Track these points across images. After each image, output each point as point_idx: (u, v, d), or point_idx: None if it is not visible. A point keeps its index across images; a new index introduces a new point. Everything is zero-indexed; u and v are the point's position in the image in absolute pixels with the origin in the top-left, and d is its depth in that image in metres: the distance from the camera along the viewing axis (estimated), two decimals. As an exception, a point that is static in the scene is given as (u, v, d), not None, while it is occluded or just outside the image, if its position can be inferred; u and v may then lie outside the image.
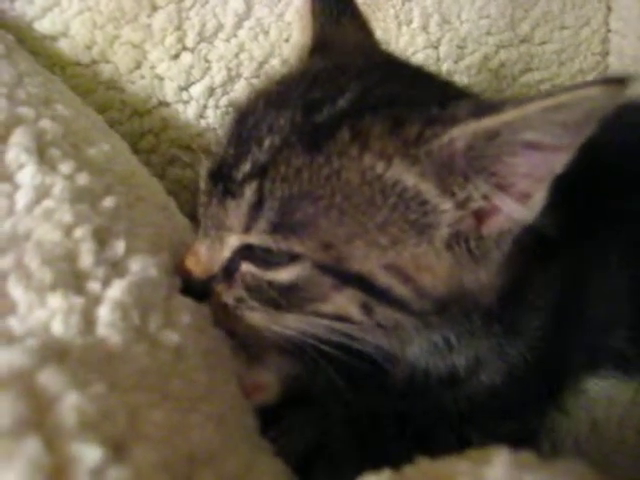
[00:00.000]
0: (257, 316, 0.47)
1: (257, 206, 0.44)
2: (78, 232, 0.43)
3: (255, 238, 0.45)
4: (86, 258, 0.42)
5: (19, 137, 0.49)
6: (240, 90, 0.83)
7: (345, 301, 0.47)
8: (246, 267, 0.47)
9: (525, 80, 1.04)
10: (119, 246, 0.44)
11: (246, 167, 0.45)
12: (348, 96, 0.47)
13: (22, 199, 0.44)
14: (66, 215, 0.43)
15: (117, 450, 0.27)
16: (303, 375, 0.54)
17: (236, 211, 0.45)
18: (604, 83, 0.39)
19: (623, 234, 0.64)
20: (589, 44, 1.09)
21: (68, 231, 0.43)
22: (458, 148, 0.45)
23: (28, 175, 0.45)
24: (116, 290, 0.40)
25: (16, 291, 0.36)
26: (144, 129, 0.81)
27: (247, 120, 0.48)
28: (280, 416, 0.49)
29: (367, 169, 0.46)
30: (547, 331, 0.59)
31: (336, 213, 0.45)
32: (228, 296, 0.47)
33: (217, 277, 0.48)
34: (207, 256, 0.48)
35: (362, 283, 0.47)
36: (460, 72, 0.96)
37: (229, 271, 0.47)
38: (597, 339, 0.66)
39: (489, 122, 0.42)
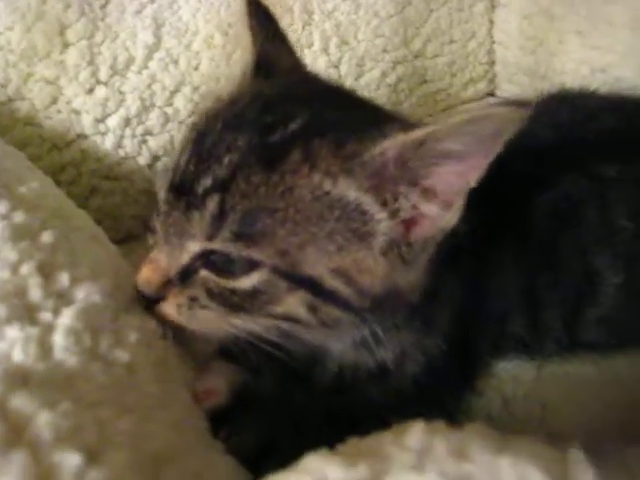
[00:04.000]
0: (209, 315, 0.51)
1: (219, 217, 0.48)
2: (24, 268, 0.46)
3: (219, 245, 0.49)
4: (35, 292, 0.44)
5: None
6: (155, 119, 0.86)
7: (295, 302, 0.52)
8: (205, 273, 0.51)
9: (421, 92, 1.13)
10: (63, 277, 0.47)
11: (207, 182, 0.49)
12: (298, 121, 0.52)
13: None
14: (11, 254, 0.46)
15: (92, 456, 0.31)
16: (248, 378, 0.59)
17: (199, 221, 0.49)
18: (511, 105, 0.47)
19: (514, 237, 0.70)
20: (476, 55, 1.19)
21: (15, 269, 0.46)
22: (389, 158, 0.50)
23: None
24: (66, 318, 0.43)
25: None
26: (64, 162, 0.84)
27: (206, 139, 0.52)
28: (229, 418, 0.53)
29: (316, 187, 0.51)
30: (457, 323, 0.66)
31: (290, 224, 0.49)
32: (182, 296, 0.51)
33: (173, 281, 0.51)
34: (166, 262, 0.51)
35: (312, 286, 0.52)
36: (361, 88, 1.02)
37: (186, 275, 0.51)
38: (499, 328, 0.72)
39: (416, 134, 0.48)
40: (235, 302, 0.52)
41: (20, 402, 0.33)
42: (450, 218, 0.53)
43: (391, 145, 0.49)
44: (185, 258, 0.52)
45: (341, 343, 0.61)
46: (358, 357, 0.63)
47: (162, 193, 0.53)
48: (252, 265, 0.51)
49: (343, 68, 1.00)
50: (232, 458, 0.45)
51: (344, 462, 0.28)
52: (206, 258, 0.52)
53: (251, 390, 0.58)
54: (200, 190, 0.50)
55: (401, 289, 0.55)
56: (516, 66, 1.20)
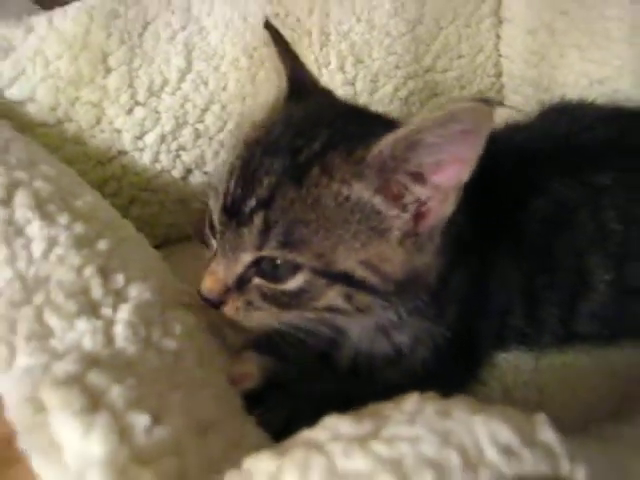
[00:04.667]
0: (263, 314, 0.61)
1: (265, 231, 0.57)
2: (87, 271, 0.54)
3: (267, 252, 0.58)
4: (96, 290, 0.53)
5: (21, 198, 0.59)
6: (187, 135, 0.93)
7: (334, 295, 0.60)
8: (257, 281, 0.60)
9: (432, 104, 1.20)
10: (119, 278, 0.56)
11: (252, 202, 0.58)
12: (320, 140, 0.61)
13: (37, 249, 0.54)
14: (75, 259, 0.55)
15: (156, 419, 0.39)
16: (277, 366, 0.67)
17: (249, 235, 0.58)
18: (477, 101, 0.54)
19: (515, 239, 0.77)
20: (484, 68, 1.26)
21: (79, 271, 0.54)
22: (385, 155, 0.57)
23: (36, 228, 0.58)
24: (124, 312, 0.51)
25: (51, 320, 0.48)
26: (107, 176, 0.91)
27: (249, 166, 0.61)
28: (261, 399, 0.61)
29: (337, 194, 0.59)
30: (462, 317, 0.72)
31: (322, 231, 0.58)
32: (239, 301, 0.60)
33: (231, 289, 0.60)
34: (224, 273, 0.60)
35: (346, 278, 0.60)
36: (375, 103, 1.10)
37: (241, 283, 0.60)
38: (501, 321, 0.78)
39: (400, 131, 0.56)
40: (284, 301, 0.61)
41: (94, 378, 0.42)
42: (447, 208, 0.60)
43: (384, 144, 0.57)
44: (239, 268, 0.61)
45: (364, 329, 0.69)
46: (375, 342, 0.70)
47: (216, 214, 0.62)
48: (295, 268, 0.59)
49: (358, 85, 1.07)
50: (263, 431, 0.53)
51: (353, 420, 0.35)
52: (257, 266, 0.60)
53: (279, 376, 0.66)
54: (247, 210, 0.59)
55: (418, 271, 0.63)
56: (521, 78, 1.25)
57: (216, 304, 0.61)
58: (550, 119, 0.96)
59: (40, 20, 0.88)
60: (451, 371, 0.75)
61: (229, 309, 0.61)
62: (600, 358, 0.81)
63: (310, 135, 0.62)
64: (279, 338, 0.66)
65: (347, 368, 0.71)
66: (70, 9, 0.90)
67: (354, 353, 0.70)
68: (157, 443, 0.36)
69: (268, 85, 0.95)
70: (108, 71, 0.90)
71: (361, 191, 0.59)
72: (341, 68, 1.06)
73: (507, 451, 0.35)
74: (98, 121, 0.90)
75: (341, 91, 1.05)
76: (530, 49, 1.22)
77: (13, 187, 0.61)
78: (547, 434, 0.38)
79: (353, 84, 1.07)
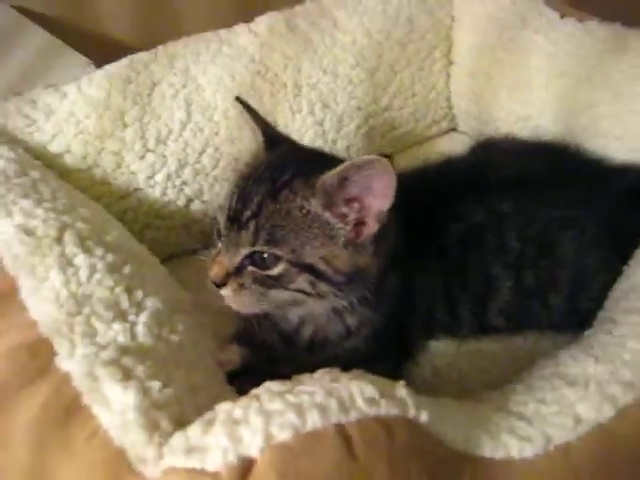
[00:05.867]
0: (250, 293, 0.80)
1: (256, 232, 0.77)
2: (117, 290, 0.71)
3: (258, 247, 0.77)
4: (124, 303, 0.70)
5: (69, 237, 0.77)
6: (188, 173, 1.12)
7: (302, 280, 0.78)
8: (251, 268, 0.78)
9: (391, 136, 1.37)
10: (139, 294, 0.73)
11: (248, 213, 0.77)
12: (288, 173, 0.80)
13: (83, 275, 0.72)
14: (109, 281, 0.72)
15: (164, 384, 0.62)
16: (252, 355, 0.90)
17: (245, 235, 0.77)
18: (378, 155, 0.71)
19: (438, 253, 0.92)
20: (437, 103, 1.42)
21: (112, 290, 0.72)
22: (327, 184, 0.76)
23: (81, 260, 0.74)
24: (143, 317, 0.69)
25: (96, 324, 0.68)
26: (126, 207, 1.09)
27: (245, 190, 0.80)
28: (238, 375, 0.83)
29: (300, 208, 0.77)
30: (396, 308, 0.89)
31: (294, 233, 0.77)
32: (235, 283, 0.79)
33: (230, 274, 0.79)
34: (227, 262, 0.79)
35: (310, 269, 0.78)
36: (341, 138, 1.27)
37: (239, 270, 0.79)
38: (428, 316, 0.94)
39: (337, 170, 0.74)
40: (269, 283, 0.79)
41: (126, 361, 0.62)
42: (374, 226, 0.78)
43: (327, 176, 0.75)
44: (238, 259, 0.79)
45: (324, 311, 0.85)
46: (331, 322, 0.87)
47: (222, 222, 0.80)
48: (277, 259, 0.77)
49: (326, 125, 1.25)
50: (237, 395, 0.71)
51: (279, 383, 0.59)
52: (251, 258, 0.78)
53: (252, 361, 0.89)
54: (244, 218, 0.77)
55: (360, 268, 0.80)
56: (466, 113, 1.42)
57: (219, 285, 0.79)
58: (476, 154, 1.15)
59: (71, 87, 1.06)
60: (387, 351, 0.91)
61: (227, 290, 0.79)
62: (508, 344, 0.96)
63: (282, 170, 0.80)
64: (257, 326, 0.87)
65: (307, 343, 0.89)
66: (94, 76, 1.08)
67: (313, 331, 0.88)
68: (165, 398, 0.58)
69: (250, 132, 1.16)
70: (125, 126, 1.07)
71: (316, 207, 0.77)
72: (311, 112, 1.23)
73: (370, 401, 0.56)
74: (119, 166, 1.07)
75: (312, 131, 1.23)
76: (472, 89, 1.37)
77: (62, 229, 0.78)
78: (401, 392, 0.59)
79: (322, 125, 1.24)
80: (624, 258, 0.91)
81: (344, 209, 0.78)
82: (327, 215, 0.78)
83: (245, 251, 0.79)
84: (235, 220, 0.79)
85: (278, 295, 0.80)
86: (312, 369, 0.65)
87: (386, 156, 0.72)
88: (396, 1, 1.33)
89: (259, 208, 0.78)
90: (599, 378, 0.71)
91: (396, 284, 0.88)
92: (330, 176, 0.76)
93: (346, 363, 0.67)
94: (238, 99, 0.93)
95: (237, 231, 0.79)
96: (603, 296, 0.89)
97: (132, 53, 1.13)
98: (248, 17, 1.26)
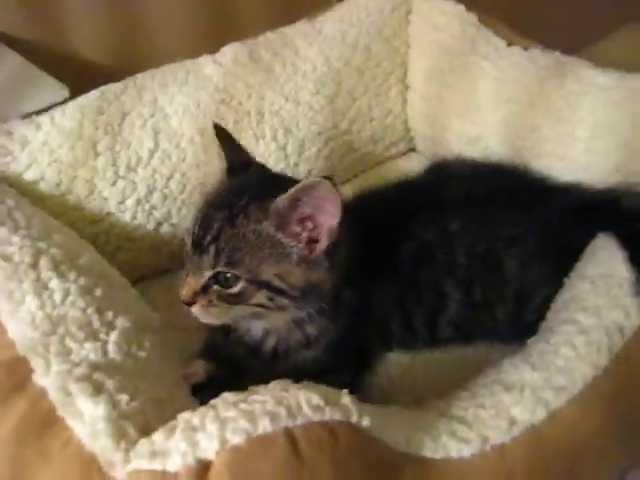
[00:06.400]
0: (217, 310, 0.85)
1: (217, 255, 0.81)
2: (89, 310, 0.76)
3: (220, 269, 0.81)
4: (95, 323, 0.75)
5: (43, 262, 0.82)
6: (157, 198, 1.17)
7: (261, 296, 0.83)
8: (215, 287, 0.83)
9: (351, 158, 1.41)
10: (109, 314, 0.78)
11: (208, 238, 0.82)
12: (244, 199, 0.84)
13: (57, 298, 0.76)
14: (81, 303, 0.76)
15: (132, 397, 0.69)
16: (217, 369, 0.96)
17: (207, 259, 0.82)
18: (323, 177, 0.77)
19: (392, 269, 0.96)
20: (394, 126, 1.47)
21: (84, 311, 0.76)
22: (280, 207, 0.80)
23: (55, 284, 0.79)
24: (113, 337, 0.74)
25: (70, 344, 0.72)
26: (99, 231, 1.13)
27: (206, 216, 0.84)
28: (202, 388, 0.88)
29: (254, 231, 0.82)
30: (353, 320, 0.93)
31: (250, 254, 0.81)
32: (203, 301, 0.84)
33: (199, 293, 0.84)
34: (194, 283, 0.84)
35: (267, 286, 0.82)
36: (303, 161, 1.32)
37: (205, 289, 0.84)
38: (385, 329, 0.98)
39: (289, 193, 0.79)
40: (232, 300, 0.83)
41: (98, 376, 0.68)
42: (325, 243, 0.83)
43: (279, 200, 0.80)
44: (203, 280, 0.83)
45: (285, 322, 0.90)
46: (292, 332, 0.91)
47: (188, 246, 0.84)
48: (236, 278, 0.81)
49: (289, 149, 1.30)
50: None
51: (235, 393, 0.65)
52: (215, 278, 0.82)
53: (216, 375, 0.95)
54: (205, 243, 0.82)
55: (314, 283, 0.85)
56: (422, 135, 1.47)
57: (189, 304, 0.84)
58: (430, 174, 1.21)
59: (45, 118, 1.11)
60: (346, 362, 0.95)
61: (196, 307, 0.84)
62: (459, 355, 1.00)
63: (240, 196, 0.85)
64: (223, 341, 0.94)
65: (270, 354, 0.93)
66: (67, 108, 1.13)
67: (276, 341, 0.93)
68: (132, 409, 0.64)
69: (216, 156, 1.15)
70: (97, 155, 1.12)
71: (268, 229, 0.82)
72: (274, 138, 1.27)
73: (316, 407, 0.62)
74: (91, 192, 1.12)
75: (275, 155, 1.28)
76: (426, 112, 1.42)
77: (38, 255, 0.83)
78: (345, 400, 0.65)
79: (284, 149, 1.29)
80: (566, 272, 0.95)
81: (297, 228, 0.83)
82: (280, 236, 0.83)
83: (208, 273, 0.84)
84: (198, 245, 0.84)
85: (242, 310, 0.85)
86: (275, 380, 0.69)
87: (329, 177, 0.78)
88: (354, 30, 1.38)
89: (218, 233, 0.83)
90: (534, 384, 0.78)
91: (352, 298, 0.93)
92: (282, 199, 0.81)
93: (307, 374, 0.71)
94: (215, 125, 0.97)
95: (200, 255, 0.84)
96: (546, 308, 0.93)
97: (106, 76, 1.18)
98: (219, 40, 1.32)
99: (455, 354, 1.01)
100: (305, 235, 0.84)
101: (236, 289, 0.83)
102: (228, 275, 0.83)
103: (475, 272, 0.98)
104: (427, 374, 1.00)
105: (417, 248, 0.99)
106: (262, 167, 1.02)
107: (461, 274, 0.98)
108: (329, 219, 0.82)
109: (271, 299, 0.84)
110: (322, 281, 0.86)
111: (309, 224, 0.83)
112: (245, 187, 0.89)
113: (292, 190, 0.79)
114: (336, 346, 0.93)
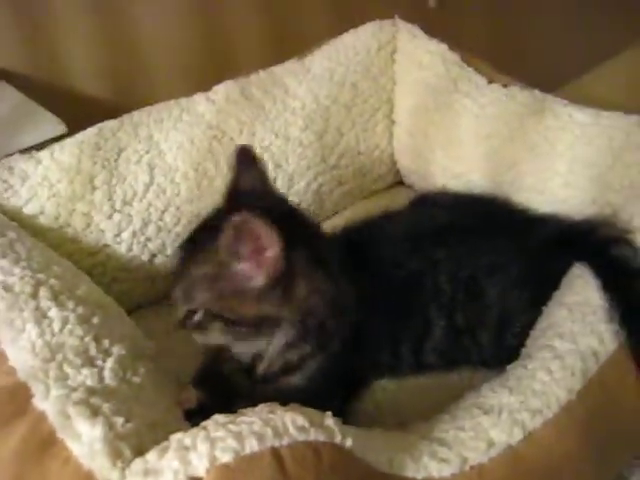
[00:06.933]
0: (197, 335, 0.90)
1: (180, 289, 0.87)
2: (87, 339, 0.77)
3: (180, 303, 0.88)
4: (92, 350, 0.76)
5: (43, 292, 0.84)
6: (152, 231, 1.20)
7: (218, 326, 0.87)
8: (195, 317, 0.87)
9: (339, 191, 1.44)
10: (106, 342, 0.79)
11: (177, 274, 0.89)
12: (207, 234, 0.88)
13: (56, 327, 0.79)
14: (79, 331, 0.77)
15: (127, 420, 0.73)
16: (208, 396, 0.98)
17: (177, 292, 0.90)
18: (234, 216, 0.79)
19: (382, 297, 0.97)
20: (381, 160, 1.50)
21: (82, 339, 0.77)
22: (224, 246, 0.82)
23: (54, 313, 0.80)
24: (109, 363, 0.75)
25: (68, 370, 0.76)
26: (95, 263, 1.16)
27: (182, 251, 0.90)
28: (195, 415, 0.87)
29: (207, 268, 0.86)
30: (343, 350, 0.93)
31: (203, 289, 0.86)
32: (190, 326, 0.89)
33: (185, 319, 0.89)
34: (176, 313, 0.89)
35: (221, 317, 0.86)
36: (292, 195, 1.34)
37: (187, 317, 0.89)
38: (374, 357, 0.99)
39: (222, 235, 0.81)
40: (200, 328, 0.87)
41: (94, 400, 0.71)
42: (274, 275, 0.84)
43: (220, 241, 0.82)
44: (182, 311, 0.88)
45: (275, 347, 0.90)
46: (276, 358, 0.91)
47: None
48: (193, 312, 0.86)
49: (278, 183, 1.31)
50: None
51: (225, 415, 0.69)
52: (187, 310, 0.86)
53: (208, 402, 0.96)
54: (176, 278, 0.88)
55: (267, 314, 0.87)
56: (408, 168, 1.50)
57: (181, 326, 0.89)
58: (416, 206, 1.26)
59: (45, 154, 1.16)
60: (333, 388, 0.95)
61: (186, 329, 0.88)
62: (443, 380, 1.01)
63: (208, 232, 0.89)
64: (222, 362, 0.95)
65: (263, 375, 0.93)
66: (66, 144, 1.18)
67: (268, 364, 0.93)
68: (127, 431, 0.67)
69: (209, 190, 1.26)
70: (94, 189, 1.15)
71: (217, 265, 0.85)
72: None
73: (301, 428, 0.65)
74: (88, 225, 1.14)
75: None
76: (412, 147, 1.45)
77: (37, 285, 0.85)
78: (329, 421, 0.69)
79: (274, 183, 1.24)
80: (545, 299, 0.97)
81: (242, 265, 0.85)
82: (226, 271, 0.85)
83: (182, 306, 0.88)
84: (174, 278, 0.90)
85: (214, 337, 0.90)
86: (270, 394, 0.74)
87: (239, 210, 0.80)
88: (342, 69, 1.41)
89: (182, 269, 0.89)
90: (511, 407, 0.81)
91: (338, 327, 0.93)
92: (224, 238, 0.83)
93: (294, 399, 0.72)
94: (243, 147, 1.00)
95: (173, 288, 0.89)
96: (526, 334, 0.95)
97: (102, 111, 1.23)
98: (216, 78, 1.37)
99: (440, 380, 1.03)
100: (248, 269, 0.85)
101: (196, 319, 0.88)
102: (189, 307, 0.88)
103: (458, 298, 1.00)
104: (412, 399, 1.01)
105: (405, 276, 1.01)
106: (280, 199, 1.02)
107: (445, 300, 1.00)
108: (263, 251, 0.83)
109: (227, 329, 0.88)
110: (278, 312, 0.88)
111: (252, 258, 0.84)
112: (212, 223, 0.92)
113: (224, 232, 0.82)
114: (325, 373, 0.94)
